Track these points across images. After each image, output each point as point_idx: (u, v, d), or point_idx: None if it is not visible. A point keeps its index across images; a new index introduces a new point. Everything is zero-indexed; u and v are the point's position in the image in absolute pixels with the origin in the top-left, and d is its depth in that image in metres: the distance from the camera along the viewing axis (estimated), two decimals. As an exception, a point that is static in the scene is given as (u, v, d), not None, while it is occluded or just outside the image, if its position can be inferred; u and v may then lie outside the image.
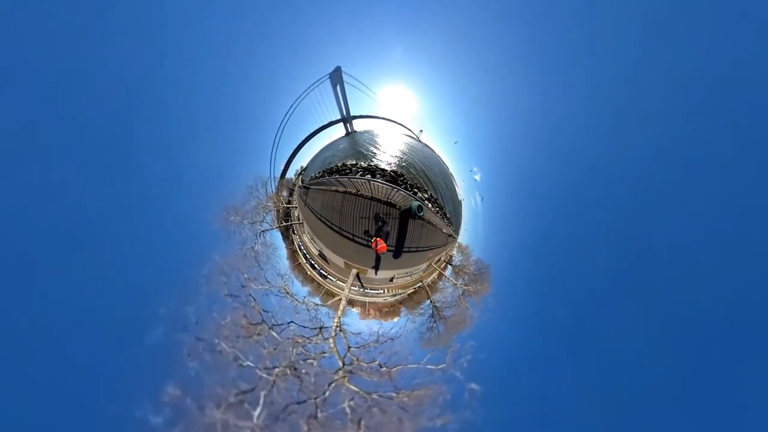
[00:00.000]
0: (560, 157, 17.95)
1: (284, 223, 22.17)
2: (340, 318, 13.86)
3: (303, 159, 23.68)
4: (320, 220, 18.12)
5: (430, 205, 19.70)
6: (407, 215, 16.66)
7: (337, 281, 21.78)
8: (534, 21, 18.68)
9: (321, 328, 14.19)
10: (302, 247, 22.53)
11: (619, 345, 16.26)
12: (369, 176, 18.68)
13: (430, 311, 22.06)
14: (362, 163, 20.14)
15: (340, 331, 14.00)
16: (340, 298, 14.72)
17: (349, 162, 20.56)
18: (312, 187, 20.69)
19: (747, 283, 13.10)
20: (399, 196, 16.96)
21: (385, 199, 18.00)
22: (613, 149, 16.15)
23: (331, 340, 13.57)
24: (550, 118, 18.42)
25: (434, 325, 21.87)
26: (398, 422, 13.08)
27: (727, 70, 13.96)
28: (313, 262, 22.11)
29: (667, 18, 15.50)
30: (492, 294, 21.99)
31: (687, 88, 14.49)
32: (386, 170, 19.44)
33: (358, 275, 18.79)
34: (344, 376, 13.03)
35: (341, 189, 18.98)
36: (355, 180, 18.50)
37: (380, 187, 17.74)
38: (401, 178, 19.19)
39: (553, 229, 18.99)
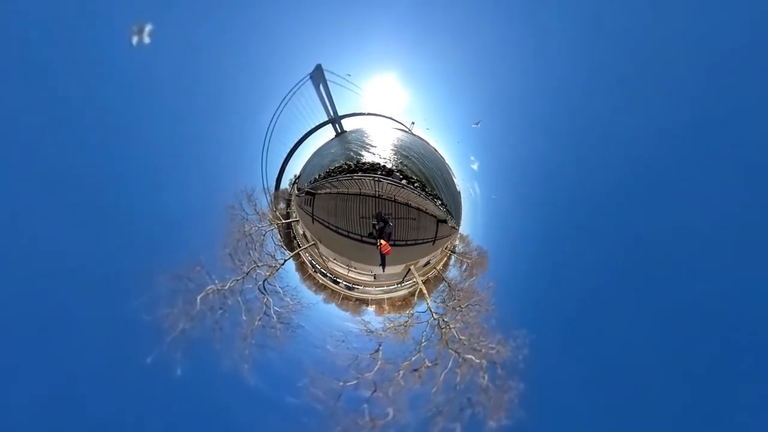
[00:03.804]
0: (563, 143, 19.14)
1: (291, 253, 20.62)
2: (430, 301, 15.40)
3: (294, 168, 22.39)
4: (357, 240, 18.09)
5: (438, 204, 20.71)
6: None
7: (365, 287, 21.92)
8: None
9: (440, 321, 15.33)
10: (319, 267, 21.85)
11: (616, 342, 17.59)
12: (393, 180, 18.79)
13: (446, 291, 23.87)
14: (393, 167, 19.92)
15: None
16: (420, 289, 17.01)
17: (364, 161, 20.16)
18: (322, 191, 19.92)
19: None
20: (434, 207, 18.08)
21: (416, 206, 18.81)
22: (622, 133, 17.18)
23: (434, 316, 15.00)
24: (549, 104, 19.20)
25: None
26: None
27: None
28: (335, 279, 21.80)
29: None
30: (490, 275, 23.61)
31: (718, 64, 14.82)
32: (412, 178, 19.54)
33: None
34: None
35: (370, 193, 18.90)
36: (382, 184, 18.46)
37: (410, 195, 18.23)
38: (426, 188, 19.59)
39: (554, 221, 20.30)
